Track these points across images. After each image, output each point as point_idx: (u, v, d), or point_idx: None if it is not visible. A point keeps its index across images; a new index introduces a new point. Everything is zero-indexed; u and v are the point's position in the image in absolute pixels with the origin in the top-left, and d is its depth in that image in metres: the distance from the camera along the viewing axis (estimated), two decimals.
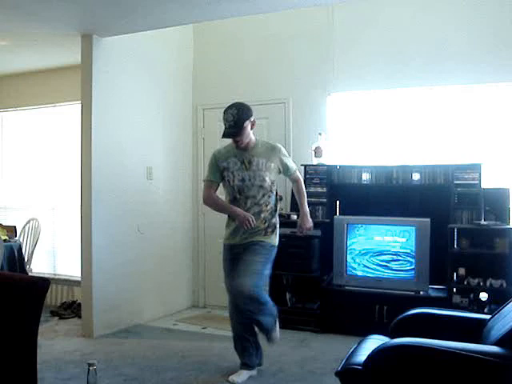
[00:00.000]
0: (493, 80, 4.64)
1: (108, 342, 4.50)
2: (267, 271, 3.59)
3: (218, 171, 3.64)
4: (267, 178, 3.56)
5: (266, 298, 3.57)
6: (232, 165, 3.60)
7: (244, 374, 3.62)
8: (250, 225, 3.46)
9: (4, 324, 2.59)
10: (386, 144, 5.04)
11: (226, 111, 3.55)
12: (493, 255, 4.33)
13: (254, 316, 3.54)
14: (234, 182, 3.58)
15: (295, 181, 3.79)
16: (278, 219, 3.70)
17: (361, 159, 5.05)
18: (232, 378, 3.59)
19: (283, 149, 3.72)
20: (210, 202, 3.69)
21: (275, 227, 3.65)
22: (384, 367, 2.29)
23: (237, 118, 3.48)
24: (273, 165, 3.60)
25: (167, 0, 3.90)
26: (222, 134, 3.56)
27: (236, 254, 3.60)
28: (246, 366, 3.65)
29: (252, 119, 3.57)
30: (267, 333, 3.63)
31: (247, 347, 3.66)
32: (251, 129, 3.59)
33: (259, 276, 3.49)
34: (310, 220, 3.76)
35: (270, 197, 3.60)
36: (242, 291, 3.42)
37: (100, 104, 4.69)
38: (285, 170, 3.70)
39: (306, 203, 3.79)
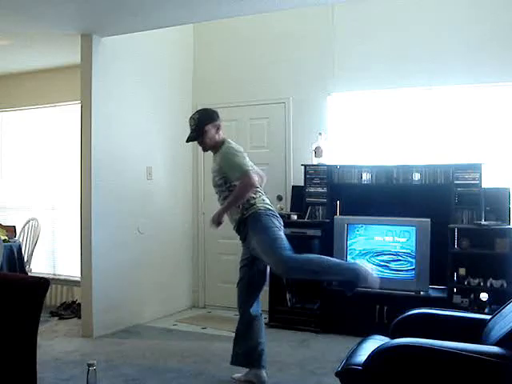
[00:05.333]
0: (493, 80, 4.64)
1: (108, 342, 4.50)
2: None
3: None
4: (217, 178, 3.57)
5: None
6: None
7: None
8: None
9: (4, 324, 2.59)
10: (386, 144, 5.04)
11: (190, 117, 3.68)
12: (493, 255, 4.33)
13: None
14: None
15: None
16: (253, 205, 3.50)
17: (361, 159, 5.05)
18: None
19: (227, 154, 3.51)
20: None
21: (250, 206, 3.49)
22: (384, 367, 2.29)
23: (197, 122, 3.59)
24: (217, 167, 3.56)
25: (167, 0, 3.90)
26: None
27: None
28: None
29: (216, 123, 3.61)
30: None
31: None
32: (216, 133, 3.60)
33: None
34: (218, 217, 3.47)
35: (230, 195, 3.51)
36: None
37: (100, 104, 4.69)
38: (226, 175, 3.50)
39: (229, 205, 3.46)
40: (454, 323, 2.82)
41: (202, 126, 3.56)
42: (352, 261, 3.37)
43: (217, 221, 3.48)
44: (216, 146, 3.62)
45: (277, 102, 5.49)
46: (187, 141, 3.70)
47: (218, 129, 3.61)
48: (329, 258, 3.50)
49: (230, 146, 3.57)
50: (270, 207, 3.55)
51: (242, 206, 3.49)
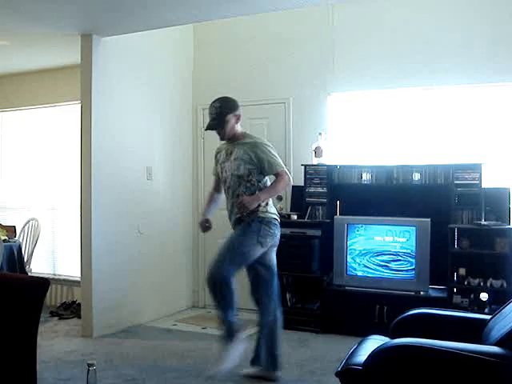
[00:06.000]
0: (493, 80, 4.64)
1: (108, 342, 4.50)
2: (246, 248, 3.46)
3: (216, 164, 3.78)
4: (241, 167, 3.51)
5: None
6: (222, 157, 3.68)
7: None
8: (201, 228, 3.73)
9: (4, 324, 2.59)
10: (386, 144, 5.04)
11: (210, 104, 3.63)
12: (493, 255, 4.33)
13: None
14: (221, 174, 3.67)
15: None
16: (264, 208, 3.54)
17: (361, 159, 5.05)
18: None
19: (265, 146, 3.54)
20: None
21: (257, 209, 3.50)
22: (384, 367, 2.29)
23: (219, 111, 3.56)
24: (247, 156, 3.50)
25: (167, 0, 3.90)
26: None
27: None
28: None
29: (237, 113, 3.61)
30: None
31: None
32: (236, 123, 3.61)
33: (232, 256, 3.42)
34: (252, 203, 3.39)
35: (248, 188, 3.51)
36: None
37: (100, 104, 4.69)
38: (261, 167, 3.50)
39: (268, 195, 3.50)
40: (454, 323, 2.82)
41: (224, 114, 3.54)
42: (237, 334, 3.37)
43: (247, 206, 3.36)
44: (234, 137, 3.61)
45: (277, 102, 5.49)
46: (206, 129, 3.66)
47: (238, 119, 3.61)
48: (232, 313, 3.38)
49: (263, 140, 3.62)
50: (274, 216, 3.58)
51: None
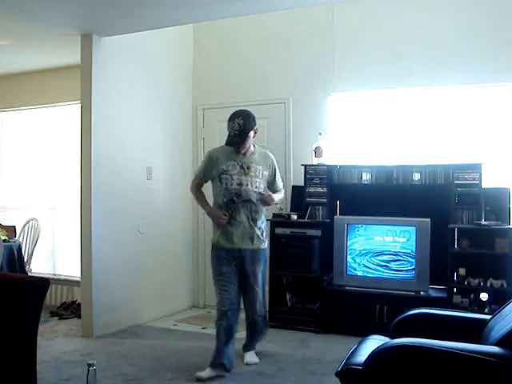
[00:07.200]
0: (493, 80, 4.64)
1: (108, 342, 4.50)
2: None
3: (214, 172, 3.76)
4: (262, 186, 3.75)
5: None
6: (231, 168, 3.71)
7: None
8: (224, 220, 3.69)
9: (4, 324, 2.59)
10: (386, 144, 5.04)
11: (232, 119, 3.67)
12: (493, 255, 4.33)
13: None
14: (231, 186, 3.69)
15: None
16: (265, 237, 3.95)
17: (361, 159, 5.05)
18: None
19: (275, 162, 3.92)
20: (195, 193, 3.94)
21: (266, 231, 3.97)
22: (384, 367, 2.29)
23: (242, 129, 3.63)
24: (267, 173, 3.81)
25: (167, 0, 3.90)
26: (226, 140, 3.71)
27: (234, 260, 3.76)
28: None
29: (255, 128, 3.72)
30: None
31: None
32: (254, 137, 3.74)
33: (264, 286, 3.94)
34: (273, 199, 3.84)
35: (259, 202, 3.80)
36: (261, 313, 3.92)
37: (100, 104, 4.69)
38: (271, 182, 3.89)
39: (277, 198, 3.94)
40: (454, 323, 2.82)
41: (248, 131, 3.65)
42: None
43: (273, 200, 3.82)
44: (248, 149, 3.75)
45: (277, 102, 5.49)
46: (230, 145, 3.69)
47: (255, 133, 3.74)
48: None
49: (270, 153, 3.93)
50: None
51: (260, 229, 3.78)
